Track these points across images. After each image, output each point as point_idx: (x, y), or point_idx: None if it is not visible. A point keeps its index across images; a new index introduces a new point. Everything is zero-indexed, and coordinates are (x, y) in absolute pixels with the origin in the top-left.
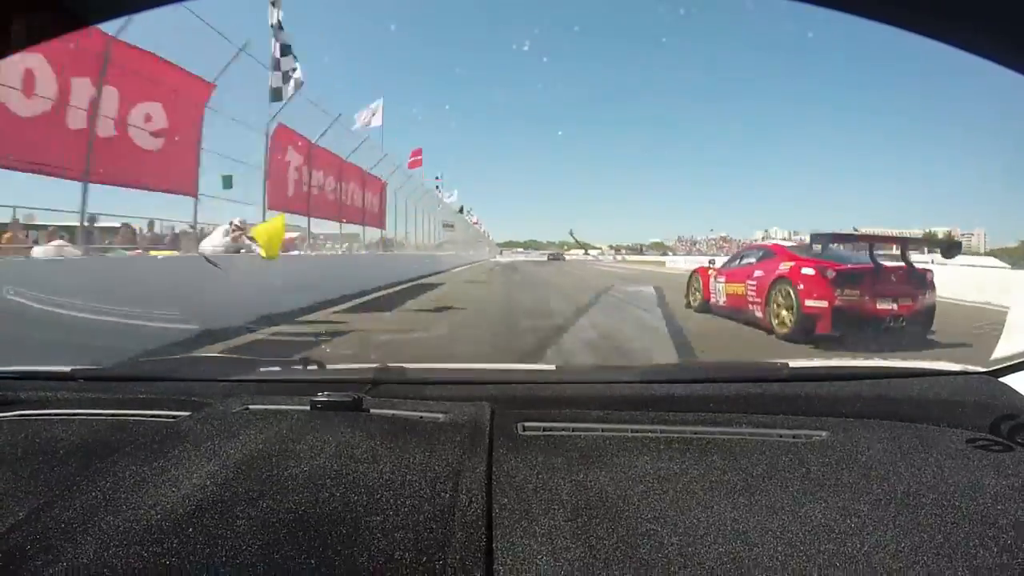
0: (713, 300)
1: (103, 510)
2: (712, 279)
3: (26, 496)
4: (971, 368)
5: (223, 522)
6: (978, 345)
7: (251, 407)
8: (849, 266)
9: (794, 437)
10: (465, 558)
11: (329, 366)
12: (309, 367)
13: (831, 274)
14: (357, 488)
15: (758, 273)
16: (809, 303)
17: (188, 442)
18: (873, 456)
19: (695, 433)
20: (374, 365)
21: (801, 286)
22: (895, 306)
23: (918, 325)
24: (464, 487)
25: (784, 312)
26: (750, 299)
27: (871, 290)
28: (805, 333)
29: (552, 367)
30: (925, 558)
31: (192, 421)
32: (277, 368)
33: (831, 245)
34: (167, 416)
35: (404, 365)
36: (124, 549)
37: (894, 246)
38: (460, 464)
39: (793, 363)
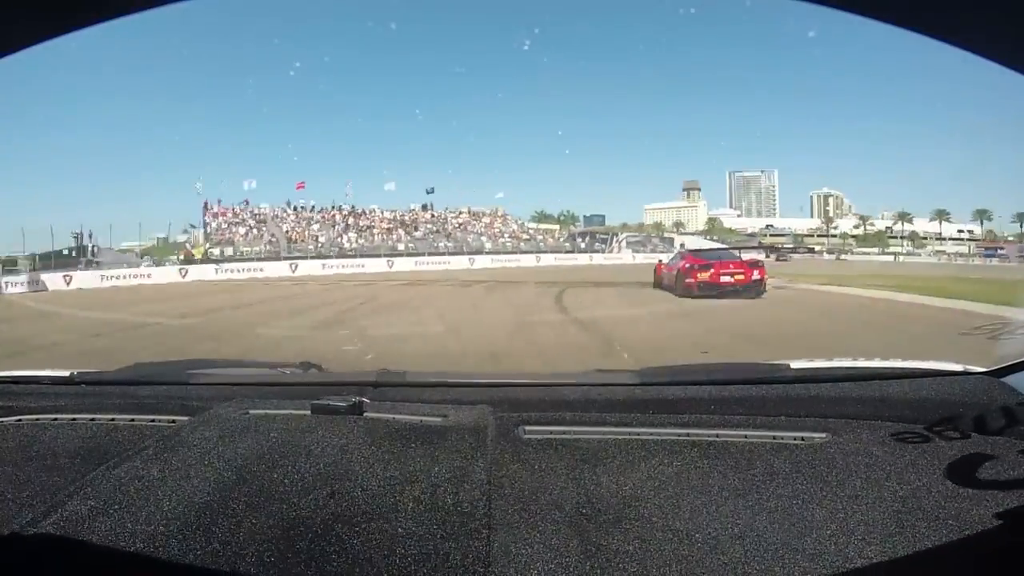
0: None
1: (104, 515)
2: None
3: (28, 501)
4: (972, 368)
5: (224, 527)
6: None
7: (251, 411)
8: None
9: (795, 439)
10: (466, 564)
11: (329, 369)
12: (309, 371)
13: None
14: (358, 493)
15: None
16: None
17: (189, 447)
18: (875, 458)
19: (696, 436)
20: (374, 368)
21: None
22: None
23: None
24: (465, 492)
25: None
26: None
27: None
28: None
29: (552, 370)
30: (928, 559)
31: (192, 425)
32: (277, 372)
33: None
34: (168, 420)
35: (404, 368)
36: (125, 554)
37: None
38: (461, 468)
39: (795, 364)
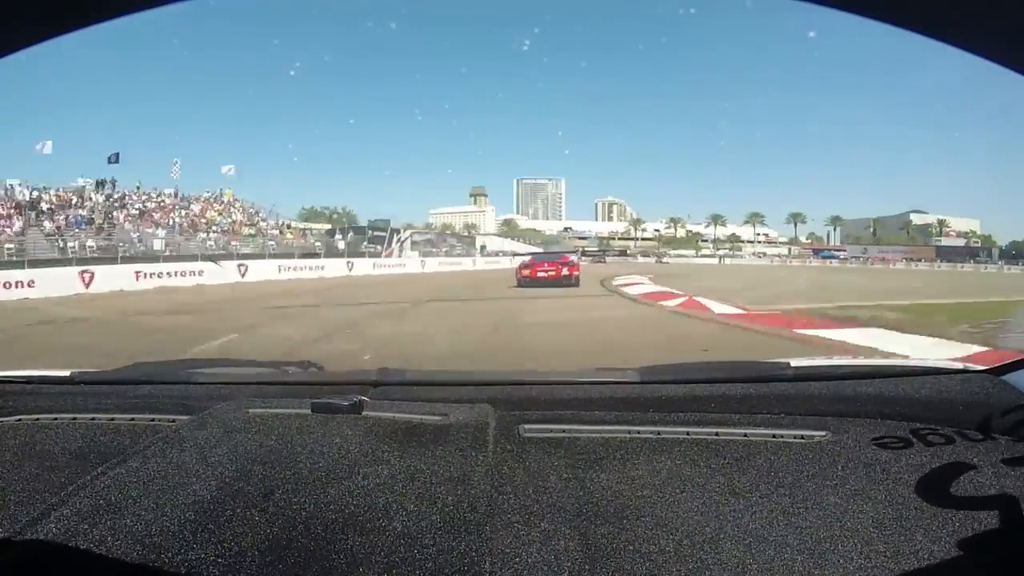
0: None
1: (103, 515)
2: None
3: (27, 501)
4: (972, 366)
5: (224, 527)
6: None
7: (251, 410)
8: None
9: (795, 437)
10: (466, 564)
11: (329, 368)
12: (309, 370)
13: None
14: (358, 492)
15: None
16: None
17: (188, 446)
18: (875, 456)
19: (696, 434)
20: (374, 367)
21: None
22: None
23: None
24: (466, 491)
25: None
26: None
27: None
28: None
29: (552, 368)
30: (929, 558)
31: (192, 425)
32: (277, 371)
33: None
34: (167, 420)
35: (404, 367)
36: (125, 555)
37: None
38: (462, 467)
39: (795, 362)
